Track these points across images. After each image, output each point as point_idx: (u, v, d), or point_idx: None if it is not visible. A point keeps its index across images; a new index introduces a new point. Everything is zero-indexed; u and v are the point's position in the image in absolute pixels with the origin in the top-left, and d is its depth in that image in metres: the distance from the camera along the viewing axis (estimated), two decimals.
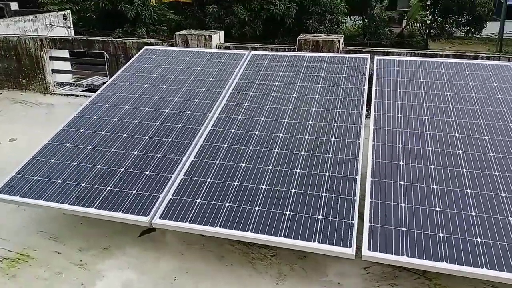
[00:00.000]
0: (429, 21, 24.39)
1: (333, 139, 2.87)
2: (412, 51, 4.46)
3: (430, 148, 2.73)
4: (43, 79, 5.93)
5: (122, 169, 2.79)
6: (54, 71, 5.99)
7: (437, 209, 2.33)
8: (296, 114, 3.14)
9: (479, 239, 2.16)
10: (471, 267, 2.04)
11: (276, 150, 2.82)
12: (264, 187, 2.56)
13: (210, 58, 4.02)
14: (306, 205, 2.42)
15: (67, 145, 3.04)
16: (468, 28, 23.05)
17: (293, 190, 2.51)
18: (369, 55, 3.82)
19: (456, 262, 2.06)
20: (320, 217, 2.34)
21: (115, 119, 3.27)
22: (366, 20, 24.46)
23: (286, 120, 3.09)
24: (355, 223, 2.29)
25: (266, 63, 3.85)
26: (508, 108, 3.02)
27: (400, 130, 2.90)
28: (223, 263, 2.55)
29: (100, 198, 2.59)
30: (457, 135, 2.83)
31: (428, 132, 2.87)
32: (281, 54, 3.98)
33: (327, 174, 2.61)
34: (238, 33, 14.14)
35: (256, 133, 3.00)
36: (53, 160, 2.91)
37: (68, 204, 2.57)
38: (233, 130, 3.05)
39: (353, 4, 21.90)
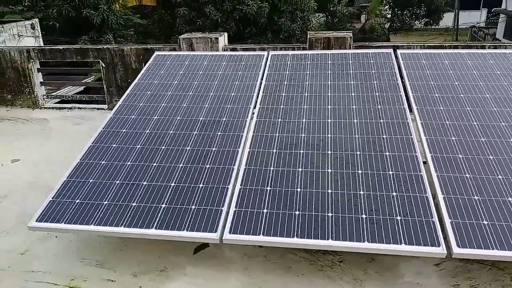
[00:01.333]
0: (389, 15, 25.07)
1: (384, 136, 2.83)
2: (421, 44, 4.50)
3: (483, 139, 2.73)
4: (31, 93, 5.54)
5: (172, 184, 2.61)
6: (42, 83, 5.62)
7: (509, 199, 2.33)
8: (338, 113, 3.07)
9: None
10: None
11: (329, 152, 2.74)
12: (329, 191, 2.47)
13: (229, 61, 3.88)
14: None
15: (103, 162, 2.83)
16: (427, 20, 23.89)
17: (361, 192, 2.44)
18: (391, 49, 3.81)
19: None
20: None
21: (148, 131, 3.08)
22: (329, 17, 24.81)
23: (330, 120, 3.01)
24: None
25: (289, 63, 3.76)
26: None
27: (448, 122, 2.89)
28: (293, 274, 2.44)
29: (157, 217, 2.41)
30: (503, 123, 2.85)
31: (475, 123, 2.87)
32: (302, 53, 3.90)
33: (390, 173, 2.55)
34: None
35: (302, 135, 2.90)
36: (91, 180, 2.69)
37: (123, 226, 2.38)
38: (276, 134, 2.94)
39: (316, 1, 22.20)
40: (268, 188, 2.53)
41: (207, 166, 2.73)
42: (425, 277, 2.39)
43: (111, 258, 2.64)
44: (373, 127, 2.91)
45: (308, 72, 3.60)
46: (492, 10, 25.63)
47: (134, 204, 2.50)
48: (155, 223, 2.37)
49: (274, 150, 2.80)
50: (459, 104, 3.06)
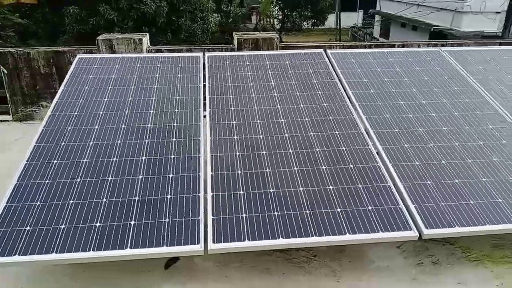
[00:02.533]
0: (280, 16, 26.26)
1: (336, 132, 2.97)
2: (345, 44, 4.82)
3: (420, 129, 3.03)
4: None
5: (136, 198, 2.42)
6: None
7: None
8: (289, 113, 3.13)
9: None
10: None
11: (290, 151, 2.79)
12: (300, 188, 2.51)
13: (164, 63, 3.70)
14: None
15: (47, 181, 2.50)
16: (314, 20, 25.57)
17: (330, 187, 2.53)
18: (322, 49, 4.01)
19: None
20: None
21: (91, 143, 2.80)
22: (224, 18, 25.07)
23: (282, 120, 3.06)
24: None
25: (228, 63, 3.72)
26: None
27: (387, 116, 3.15)
28: (274, 275, 2.45)
29: (128, 235, 2.21)
30: (433, 115, 3.19)
31: (410, 115, 3.17)
32: (239, 54, 3.89)
33: (351, 166, 2.69)
34: None
35: (260, 136, 2.91)
36: (38, 203, 2.36)
37: (92, 250, 2.13)
38: (235, 137, 2.90)
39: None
40: (241, 192, 2.49)
41: (170, 175, 2.58)
42: (392, 259, 2.58)
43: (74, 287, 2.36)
44: (324, 124, 3.04)
45: (249, 73, 3.61)
46: (369, 12, 28.49)
47: (97, 224, 2.26)
48: (128, 242, 2.18)
49: (237, 153, 2.76)
50: (393, 99, 3.35)
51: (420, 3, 20.82)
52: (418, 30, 22.18)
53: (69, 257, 2.11)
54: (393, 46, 4.95)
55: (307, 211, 2.38)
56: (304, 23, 25.75)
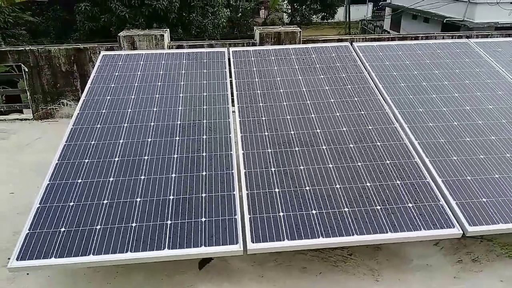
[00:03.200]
0: (290, 10, 26.08)
1: (370, 127, 2.90)
2: (368, 37, 4.73)
3: (455, 123, 2.95)
4: None
5: (171, 197, 2.38)
6: None
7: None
8: (319, 108, 3.07)
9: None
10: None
11: (324, 147, 2.73)
12: (337, 186, 2.46)
13: (189, 59, 3.65)
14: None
15: (79, 181, 2.47)
16: (323, 14, 25.37)
17: (368, 184, 2.47)
18: (348, 42, 3.93)
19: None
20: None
21: (121, 141, 2.77)
22: (233, 13, 24.96)
23: (313, 115, 3.00)
24: None
25: (253, 59, 3.67)
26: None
27: (420, 110, 3.07)
28: (311, 274, 2.40)
29: (166, 236, 2.17)
30: (467, 107, 3.11)
31: (444, 109, 3.09)
32: (263, 48, 3.83)
33: (387, 162, 2.63)
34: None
35: (291, 132, 2.85)
36: (72, 203, 2.34)
37: (129, 251, 2.10)
38: (266, 133, 2.85)
39: None
40: (277, 190, 2.44)
41: (203, 173, 2.54)
42: (431, 257, 2.52)
43: (104, 287, 2.33)
44: (357, 119, 2.98)
45: (275, 68, 3.55)
46: (379, 4, 28.17)
47: (133, 224, 2.23)
48: (166, 242, 2.14)
49: (269, 150, 2.71)
50: (425, 92, 3.27)
51: None
52: (430, 22, 21.88)
53: (107, 258, 2.08)
54: (416, 38, 4.85)
55: (346, 209, 2.32)
56: (314, 16, 25.53)
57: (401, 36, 4.91)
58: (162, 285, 2.33)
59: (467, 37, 4.81)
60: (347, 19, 28.61)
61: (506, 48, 3.88)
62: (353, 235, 2.20)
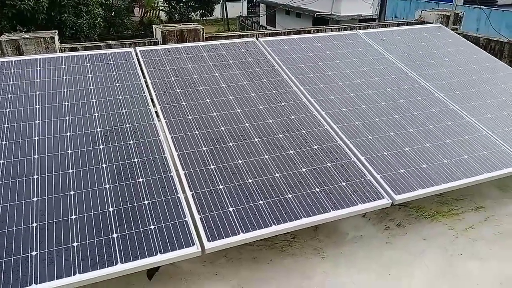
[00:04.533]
0: (167, 8, 25.59)
1: (292, 117, 3.06)
2: (267, 32, 4.92)
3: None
4: None
5: (111, 209, 2.22)
6: None
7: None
8: (243, 103, 3.13)
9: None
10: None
11: (256, 140, 2.80)
12: (277, 175, 2.55)
13: (93, 61, 3.39)
14: None
15: None
16: (202, 11, 25.45)
17: (303, 169, 2.61)
18: (254, 38, 4.06)
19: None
20: None
21: (36, 156, 2.48)
22: (107, 12, 23.61)
23: (238, 110, 3.05)
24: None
25: (164, 58, 3.56)
26: None
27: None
28: (263, 262, 2.46)
29: (115, 249, 2.03)
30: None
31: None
32: (172, 46, 3.74)
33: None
34: None
35: (222, 128, 2.86)
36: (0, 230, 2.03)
37: (79, 273, 1.91)
38: (197, 132, 2.81)
39: None
40: (221, 186, 2.44)
41: (140, 180, 2.41)
42: (363, 229, 2.77)
43: None
44: (279, 111, 3.11)
45: (189, 66, 3.50)
46: (254, 1, 29.25)
47: (75, 244, 2.03)
48: (117, 257, 2.00)
49: (204, 148, 2.69)
50: (333, 81, 3.54)
51: None
52: (301, 17, 23.50)
53: (53, 285, 1.86)
54: (309, 32, 5.19)
55: (289, 195, 2.43)
56: (192, 14, 25.46)
57: (296, 30, 5.21)
58: None
59: (351, 28, 5.31)
60: (224, 16, 29.20)
61: (388, 37, 4.39)
62: (301, 218, 2.31)
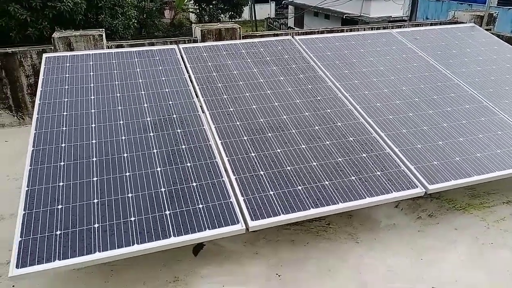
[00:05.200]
0: (198, 10, 26.05)
1: (328, 110, 3.20)
2: (303, 31, 5.07)
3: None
4: None
5: (163, 189, 2.43)
6: None
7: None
8: (280, 97, 3.30)
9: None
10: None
11: (293, 131, 2.96)
12: (314, 163, 2.70)
13: (140, 57, 3.62)
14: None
15: (60, 184, 2.39)
16: (231, 13, 25.76)
17: (339, 159, 2.76)
18: (290, 36, 4.22)
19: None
20: None
21: (94, 141, 2.71)
22: (140, 13, 24.26)
23: (276, 104, 3.22)
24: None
25: (205, 54, 3.77)
26: None
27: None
28: (300, 245, 2.62)
29: (169, 224, 2.23)
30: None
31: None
32: (213, 44, 3.94)
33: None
34: (20, 37, 12.02)
35: (261, 120, 3.03)
36: (60, 206, 2.27)
37: (136, 244, 2.12)
38: (238, 123, 2.99)
39: None
40: (261, 172, 2.61)
41: (188, 164, 2.61)
42: (395, 217, 2.89)
43: (103, 286, 2.30)
44: (315, 104, 3.26)
45: (229, 62, 3.69)
46: (282, 2, 29.44)
47: (132, 218, 2.24)
48: (170, 231, 2.20)
49: (245, 137, 2.87)
50: (367, 77, 3.66)
51: None
52: (330, 19, 23.49)
53: (114, 253, 2.07)
54: (342, 31, 5.31)
55: (326, 182, 2.58)
56: (222, 15, 25.82)
57: (329, 29, 5.34)
58: (162, 275, 2.37)
59: (384, 28, 5.40)
60: (253, 17, 29.46)
61: (422, 36, 4.47)
62: (337, 203, 2.46)
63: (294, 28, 25.27)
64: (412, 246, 2.59)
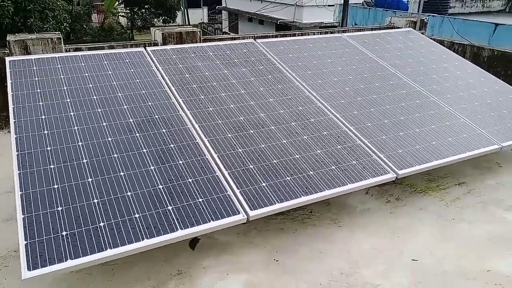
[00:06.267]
0: (129, 14, 25.37)
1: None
2: (265, 35, 5.28)
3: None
4: None
5: (160, 186, 2.49)
6: None
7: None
8: (255, 95, 3.47)
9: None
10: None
11: (273, 128, 3.15)
12: (297, 156, 2.91)
13: (110, 60, 3.61)
14: None
15: (55, 187, 2.37)
16: (165, 17, 25.42)
17: (318, 152, 2.99)
18: (252, 39, 4.41)
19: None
20: None
21: (80, 144, 2.69)
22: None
23: (252, 103, 3.39)
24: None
25: (174, 56, 3.83)
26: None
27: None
28: (289, 232, 2.80)
29: (173, 219, 2.30)
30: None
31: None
32: (179, 47, 4.01)
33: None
34: None
35: (241, 118, 3.19)
36: (60, 208, 2.25)
37: (146, 238, 2.18)
38: (220, 121, 3.12)
39: None
40: (251, 166, 2.76)
41: (180, 162, 2.69)
42: (368, 203, 3.19)
43: (107, 285, 2.32)
44: (288, 102, 3.48)
45: (199, 64, 3.80)
46: (216, 8, 29.61)
47: (136, 215, 2.29)
48: (176, 224, 2.28)
49: (229, 135, 3.00)
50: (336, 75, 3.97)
51: (263, 0, 22.66)
52: (264, 24, 24.10)
53: (125, 249, 2.11)
54: (294, 35, 5.61)
55: (311, 172, 2.80)
56: (155, 20, 25.39)
57: (282, 34, 5.62)
58: (164, 270, 2.43)
59: (331, 32, 5.79)
60: (186, 22, 29.33)
61: (369, 39, 4.89)
62: (324, 190, 2.68)
63: (229, 33, 25.57)
64: (388, 226, 2.89)
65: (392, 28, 6.26)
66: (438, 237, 2.78)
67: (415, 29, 6.19)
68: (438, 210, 3.09)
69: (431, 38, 5.76)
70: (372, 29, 6.19)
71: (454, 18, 12.52)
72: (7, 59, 3.39)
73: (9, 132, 2.89)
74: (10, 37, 4.05)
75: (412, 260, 2.55)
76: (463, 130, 3.53)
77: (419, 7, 6.91)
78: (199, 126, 3.04)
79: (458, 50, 6.10)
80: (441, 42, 5.88)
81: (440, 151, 3.22)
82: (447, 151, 3.24)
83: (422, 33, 6.19)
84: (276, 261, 2.53)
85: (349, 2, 14.92)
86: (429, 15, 12.32)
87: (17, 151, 2.56)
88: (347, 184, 2.77)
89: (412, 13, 11.89)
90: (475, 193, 3.32)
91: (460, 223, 2.94)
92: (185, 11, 29.02)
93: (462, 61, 4.82)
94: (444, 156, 3.18)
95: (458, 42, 6.32)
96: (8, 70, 3.25)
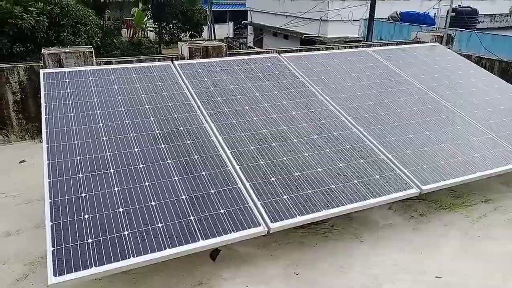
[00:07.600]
0: (158, 29, 26.05)
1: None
2: (291, 49, 5.35)
3: None
4: None
5: (183, 197, 2.54)
6: None
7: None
8: (279, 109, 3.51)
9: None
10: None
11: (295, 140, 3.17)
12: (319, 170, 2.91)
13: (138, 73, 3.72)
14: None
15: (82, 195, 2.45)
16: (192, 32, 25.98)
17: (341, 165, 2.99)
18: (276, 53, 4.47)
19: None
20: None
21: (108, 154, 2.78)
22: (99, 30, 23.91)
23: (275, 116, 3.42)
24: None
25: (200, 70, 3.92)
26: None
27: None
28: (310, 246, 2.80)
29: (195, 229, 2.34)
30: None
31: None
32: (205, 61, 4.10)
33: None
34: None
35: (263, 131, 3.22)
36: (86, 216, 2.32)
37: (167, 248, 2.22)
38: (243, 134, 3.16)
39: None
40: (273, 178, 2.78)
41: (203, 173, 2.74)
42: (390, 218, 3.14)
43: None
44: (311, 117, 3.50)
45: (224, 78, 3.87)
46: (241, 23, 30.07)
47: (160, 225, 2.34)
48: (198, 235, 2.31)
49: (252, 147, 3.04)
50: (364, 89, 3.97)
51: (288, 14, 22.86)
52: (289, 39, 24.27)
53: (148, 258, 2.16)
54: (318, 50, 5.65)
55: (333, 186, 2.79)
56: (182, 34, 25.97)
57: (306, 48, 5.67)
58: (185, 280, 2.47)
59: (356, 47, 5.80)
60: (212, 37, 29.85)
61: (394, 54, 4.87)
62: (346, 205, 2.67)
63: (254, 48, 25.87)
64: (411, 242, 2.84)
65: (418, 42, 6.22)
66: (463, 255, 2.71)
67: (441, 44, 6.13)
68: (463, 227, 3.02)
69: (458, 53, 5.69)
70: (397, 44, 6.17)
71: (482, 33, 12.30)
72: (42, 71, 3.55)
73: (41, 141, 3.01)
74: (44, 51, 4.24)
75: (436, 277, 2.50)
76: (490, 146, 3.45)
77: (446, 22, 6.84)
78: (222, 138, 3.09)
79: (486, 65, 5.99)
80: (468, 57, 5.80)
81: (466, 167, 3.16)
82: (473, 167, 3.17)
83: (449, 48, 6.12)
84: (297, 274, 2.52)
85: (375, 17, 14.88)
86: (456, 30, 12.16)
87: (48, 160, 2.66)
88: (370, 198, 2.75)
89: (438, 28, 11.77)
90: (502, 211, 3.23)
91: (486, 240, 2.87)
92: (212, 26, 29.57)
93: (489, 76, 4.73)
94: (470, 172, 3.12)
95: (486, 57, 6.21)
96: (42, 82, 3.40)
